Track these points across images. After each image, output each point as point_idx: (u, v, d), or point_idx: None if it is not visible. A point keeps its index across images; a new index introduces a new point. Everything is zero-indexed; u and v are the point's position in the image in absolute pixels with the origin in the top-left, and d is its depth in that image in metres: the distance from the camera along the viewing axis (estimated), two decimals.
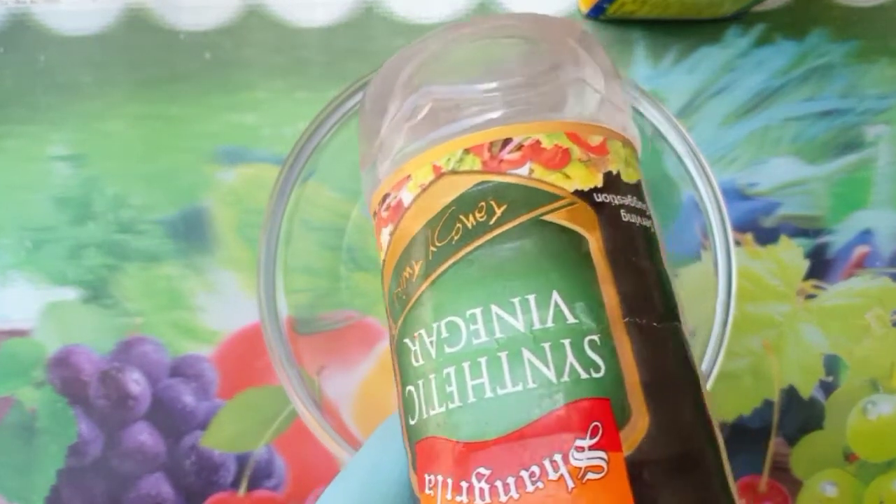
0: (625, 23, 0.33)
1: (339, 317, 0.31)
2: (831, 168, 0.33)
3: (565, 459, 0.14)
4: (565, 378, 0.15)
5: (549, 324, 0.15)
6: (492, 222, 0.16)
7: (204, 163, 0.32)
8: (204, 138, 0.32)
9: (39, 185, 0.32)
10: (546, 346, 0.15)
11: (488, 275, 0.16)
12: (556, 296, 0.15)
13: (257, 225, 0.31)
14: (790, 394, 0.32)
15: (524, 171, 0.16)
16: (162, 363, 0.31)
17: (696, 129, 0.33)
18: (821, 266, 0.33)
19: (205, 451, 0.31)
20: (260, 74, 0.32)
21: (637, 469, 0.14)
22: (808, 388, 0.32)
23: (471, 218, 0.16)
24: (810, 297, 0.32)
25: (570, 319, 0.15)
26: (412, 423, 0.16)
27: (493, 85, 0.17)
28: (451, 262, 0.16)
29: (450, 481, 0.15)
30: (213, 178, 0.32)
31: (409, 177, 0.17)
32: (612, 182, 0.17)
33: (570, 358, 0.15)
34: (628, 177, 0.17)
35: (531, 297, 0.15)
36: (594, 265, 0.16)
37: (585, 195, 0.16)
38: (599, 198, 0.16)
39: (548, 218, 0.16)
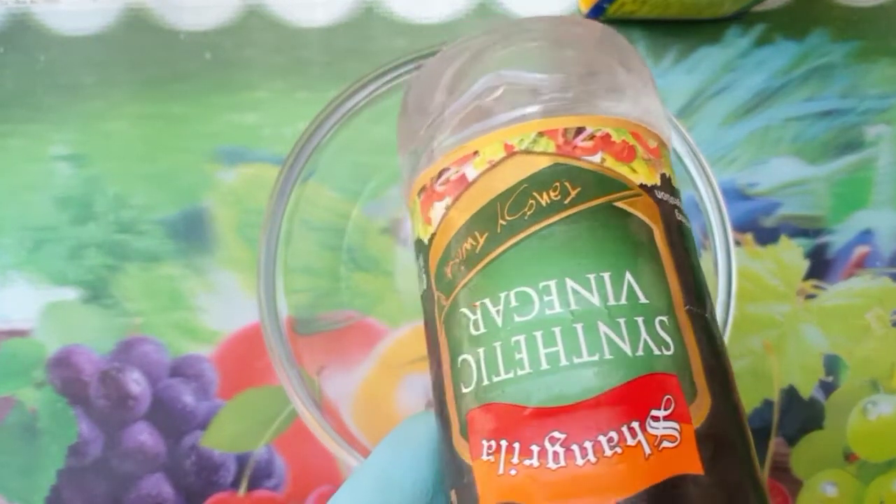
0: (625, 23, 0.33)
1: (339, 317, 0.31)
2: (832, 168, 0.33)
3: (642, 427, 0.15)
4: (640, 352, 0.15)
5: (623, 301, 0.16)
6: (566, 202, 0.17)
7: (204, 163, 0.32)
8: (204, 138, 0.32)
9: (40, 185, 0.32)
10: (621, 321, 0.16)
11: (562, 250, 0.16)
12: (628, 276, 0.16)
13: (257, 225, 0.32)
14: (790, 394, 0.32)
15: (597, 158, 0.17)
16: (162, 363, 0.31)
17: (696, 129, 0.33)
18: (821, 266, 0.33)
19: (205, 451, 0.31)
20: (260, 74, 0.32)
21: (704, 442, 0.15)
22: (808, 388, 0.32)
23: (545, 196, 0.17)
24: (810, 297, 0.32)
25: (643, 299, 0.16)
26: (466, 390, 0.17)
27: (565, 76, 0.18)
28: (522, 235, 0.17)
29: (517, 445, 0.15)
30: (214, 178, 0.32)
31: (476, 153, 0.18)
32: (667, 183, 0.18)
33: (644, 334, 0.16)
34: (675, 182, 0.19)
35: (606, 275, 0.16)
36: (659, 253, 0.17)
37: (648, 190, 0.17)
38: (659, 195, 0.18)
39: (619, 205, 0.17)
